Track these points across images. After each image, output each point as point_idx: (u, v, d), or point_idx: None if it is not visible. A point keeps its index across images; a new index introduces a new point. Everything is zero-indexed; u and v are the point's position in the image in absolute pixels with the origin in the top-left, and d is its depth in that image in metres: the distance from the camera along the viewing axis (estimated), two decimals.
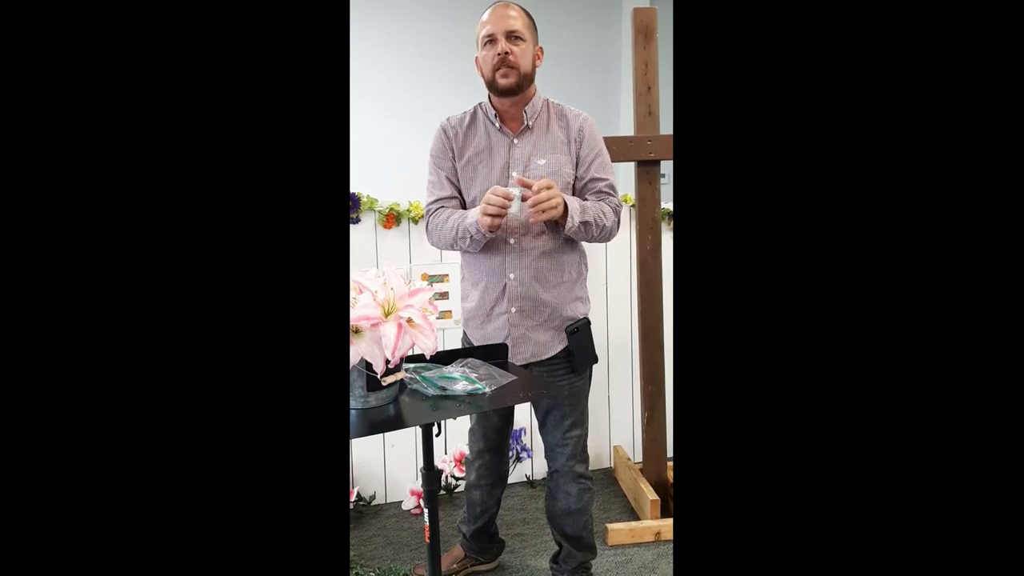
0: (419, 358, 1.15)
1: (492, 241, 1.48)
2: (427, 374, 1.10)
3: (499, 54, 1.41)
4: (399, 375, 1.02)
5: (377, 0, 4.76)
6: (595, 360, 1.57)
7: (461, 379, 1.10)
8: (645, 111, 2.08)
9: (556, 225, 1.44)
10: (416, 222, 2.23)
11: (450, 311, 2.27)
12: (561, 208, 1.36)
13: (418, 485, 2.26)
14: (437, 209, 1.53)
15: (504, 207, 1.32)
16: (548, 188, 1.33)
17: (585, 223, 1.42)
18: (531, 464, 2.45)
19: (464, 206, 1.53)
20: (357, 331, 0.94)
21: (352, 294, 0.96)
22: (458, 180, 1.53)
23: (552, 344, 1.52)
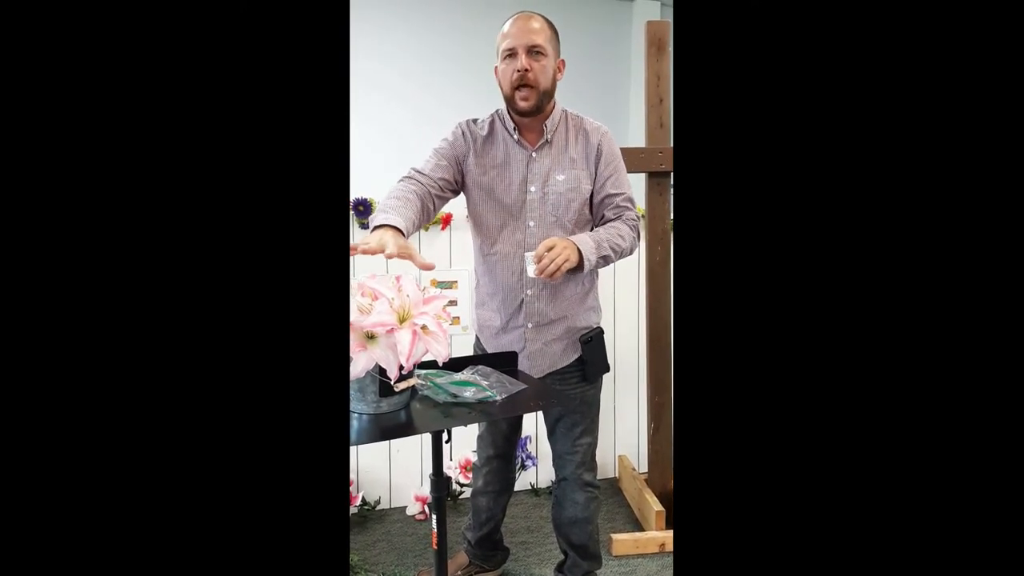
0: (430, 364, 1.16)
1: (509, 256, 1.47)
2: (438, 380, 1.11)
3: (518, 71, 1.37)
4: (411, 381, 1.03)
5: (385, 2, 4.80)
6: (607, 369, 1.57)
7: (472, 386, 1.10)
8: (657, 123, 2.09)
9: (576, 269, 1.37)
10: (426, 229, 2.24)
11: (458, 317, 2.28)
12: (574, 257, 1.32)
13: (423, 490, 2.27)
14: (406, 178, 1.41)
15: (372, 253, 1.09)
16: (549, 249, 1.28)
17: (604, 257, 1.39)
18: (536, 472, 2.44)
19: (431, 199, 1.41)
20: (372, 337, 0.94)
21: (368, 301, 0.97)
22: (459, 174, 1.47)
23: (567, 354, 1.52)
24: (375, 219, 1.20)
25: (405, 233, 1.18)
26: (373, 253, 1.04)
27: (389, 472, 2.32)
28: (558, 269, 1.28)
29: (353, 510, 2.22)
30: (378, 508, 2.28)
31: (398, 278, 1.03)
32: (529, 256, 1.32)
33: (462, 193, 1.52)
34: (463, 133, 1.49)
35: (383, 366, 0.95)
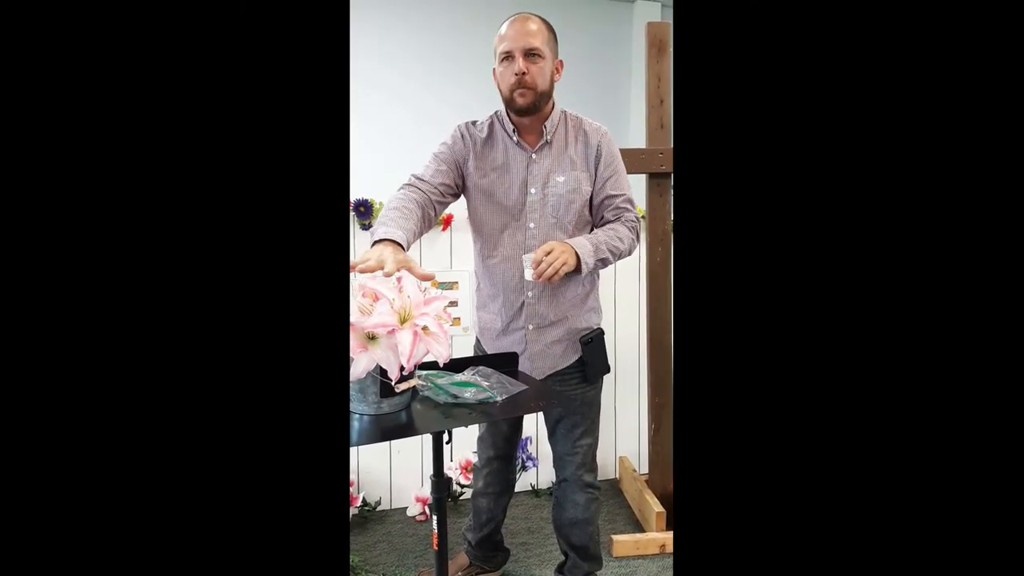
0: (431, 365, 1.16)
1: (510, 258, 1.47)
2: (439, 381, 1.11)
3: (516, 74, 1.37)
4: (412, 382, 1.03)
5: (385, 2, 4.79)
6: (608, 370, 1.57)
7: (472, 387, 1.10)
8: (657, 124, 2.09)
9: (575, 272, 1.39)
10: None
11: (459, 318, 2.28)
12: (572, 260, 1.34)
13: (423, 491, 2.27)
14: (406, 186, 1.41)
15: (371, 271, 1.06)
16: (548, 254, 1.31)
17: (602, 260, 1.42)
18: (536, 473, 2.44)
19: (432, 205, 1.41)
20: (373, 338, 0.94)
21: (369, 302, 0.97)
22: (459, 178, 1.47)
23: (567, 355, 1.52)
24: (375, 233, 1.21)
25: (405, 245, 1.19)
26: (372, 271, 1.05)
27: (390, 473, 2.32)
28: (556, 273, 1.29)
29: (353, 511, 2.22)
30: (379, 509, 2.28)
31: (399, 279, 1.03)
32: (527, 260, 1.33)
33: (462, 195, 1.52)
34: (462, 136, 1.48)
35: (384, 367, 0.95)
